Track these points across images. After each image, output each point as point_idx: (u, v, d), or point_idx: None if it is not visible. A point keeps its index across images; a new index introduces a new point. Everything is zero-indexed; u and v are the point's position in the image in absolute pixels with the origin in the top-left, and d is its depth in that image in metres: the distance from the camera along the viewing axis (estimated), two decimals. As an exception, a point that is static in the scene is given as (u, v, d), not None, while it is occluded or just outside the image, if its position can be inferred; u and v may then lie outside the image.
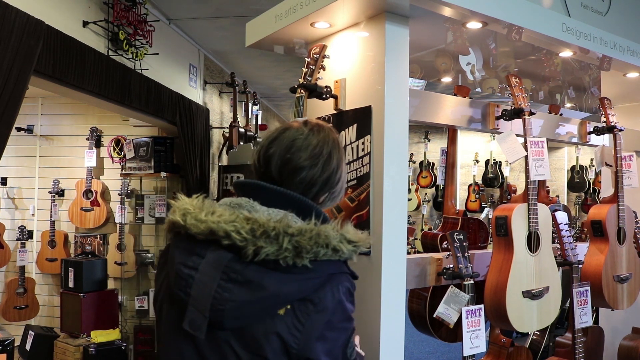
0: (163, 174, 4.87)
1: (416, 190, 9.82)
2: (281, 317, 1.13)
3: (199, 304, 1.15)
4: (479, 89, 3.70)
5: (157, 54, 4.20)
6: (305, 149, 1.27)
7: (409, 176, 9.98)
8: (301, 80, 2.01)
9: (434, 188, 9.72)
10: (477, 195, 9.61)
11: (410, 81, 4.34)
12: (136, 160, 4.99)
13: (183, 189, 4.99)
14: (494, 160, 9.52)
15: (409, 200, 9.77)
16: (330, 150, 1.29)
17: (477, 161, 9.83)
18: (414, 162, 10.08)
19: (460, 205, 9.84)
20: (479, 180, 9.75)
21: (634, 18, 3.20)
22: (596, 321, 3.59)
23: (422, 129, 9.95)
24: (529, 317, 2.31)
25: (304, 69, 2.03)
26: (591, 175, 8.95)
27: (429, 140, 10.04)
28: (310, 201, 1.26)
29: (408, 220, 10.05)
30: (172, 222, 1.25)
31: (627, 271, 2.79)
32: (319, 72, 2.02)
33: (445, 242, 2.25)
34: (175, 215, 1.23)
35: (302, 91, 1.99)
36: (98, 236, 5.28)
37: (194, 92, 5.19)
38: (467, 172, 9.97)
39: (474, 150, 9.87)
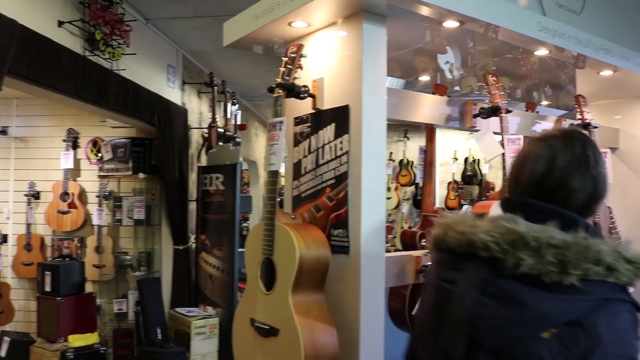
0: (141, 175, 4.82)
1: (396, 189, 9.85)
2: (545, 341, 1.01)
3: (456, 320, 1.10)
4: (457, 88, 3.72)
5: (135, 54, 4.16)
6: (575, 167, 1.15)
7: (389, 175, 10.02)
8: (279, 80, 2.01)
9: (413, 186, 9.76)
10: (457, 193, 9.67)
11: (389, 80, 4.36)
12: (114, 162, 4.94)
13: (162, 190, 4.96)
14: (473, 158, 9.60)
15: (389, 198, 9.80)
16: (595, 163, 1.17)
17: (456, 159, 9.89)
18: (394, 161, 10.11)
19: (440, 203, 9.89)
20: (458, 178, 9.81)
21: (608, 17, 3.25)
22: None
23: (401, 128, 9.98)
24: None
25: (282, 69, 2.03)
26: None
27: (409, 139, 10.07)
28: (576, 214, 1.13)
29: (387, 219, 10.09)
30: (434, 238, 1.22)
31: (602, 266, 2.82)
32: (296, 72, 2.02)
33: (424, 240, 2.26)
34: (438, 231, 1.21)
35: (279, 91, 1.99)
36: (75, 239, 5.21)
37: (173, 93, 5.15)
38: (447, 170, 10.02)
39: (453, 148, 9.93)
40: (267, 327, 1.94)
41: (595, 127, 2.97)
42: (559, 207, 1.12)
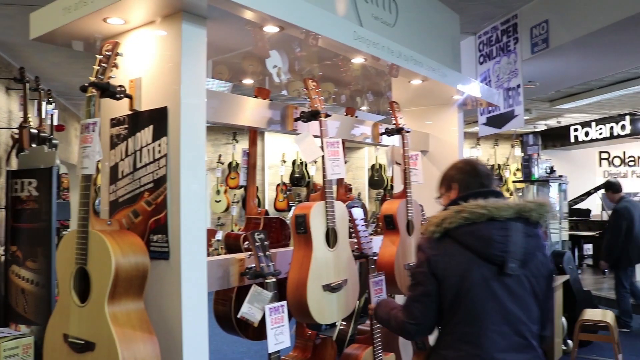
0: (-63, 181, 4.27)
1: (225, 192, 9.82)
2: (539, 253, 2.02)
3: (516, 255, 1.92)
4: (285, 92, 3.79)
5: None
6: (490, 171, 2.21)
7: (218, 177, 9.97)
8: (92, 79, 1.89)
9: (243, 189, 9.79)
10: (285, 195, 9.91)
11: (216, 83, 4.30)
12: None
13: (-37, 197, 4.43)
14: (301, 160, 9.88)
15: (219, 201, 9.75)
16: None
17: (285, 161, 10.12)
18: (223, 164, 10.08)
19: (269, 205, 10.07)
20: (287, 180, 10.05)
21: (417, 31, 3.54)
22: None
23: (230, 130, 9.98)
24: (330, 309, 2.43)
25: (96, 67, 1.92)
26: (389, 173, 9.71)
27: (237, 142, 10.11)
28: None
29: (217, 222, 10.03)
30: (465, 218, 1.96)
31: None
32: (111, 71, 1.92)
33: (247, 242, 2.27)
34: (480, 211, 1.96)
35: (93, 90, 1.88)
36: None
37: (-25, 88, 4.63)
38: (275, 172, 10.22)
39: (282, 151, 10.15)
40: (82, 342, 1.82)
41: (408, 132, 3.20)
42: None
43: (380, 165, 10.40)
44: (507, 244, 1.92)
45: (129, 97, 2.00)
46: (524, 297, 1.96)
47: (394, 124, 3.23)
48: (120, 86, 1.95)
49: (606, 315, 5.18)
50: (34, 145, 4.80)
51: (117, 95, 1.94)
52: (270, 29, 2.18)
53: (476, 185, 2.11)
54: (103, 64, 1.92)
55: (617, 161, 13.05)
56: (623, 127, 10.37)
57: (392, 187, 9.37)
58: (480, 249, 1.94)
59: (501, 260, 1.92)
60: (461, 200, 2.03)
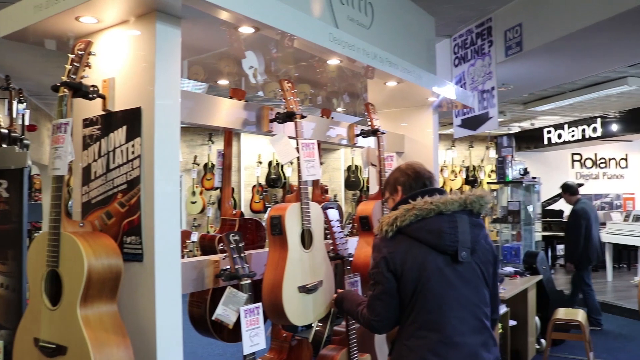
0: None
1: (201, 193, 9.75)
2: (483, 241, 2.17)
3: (465, 244, 2.08)
4: (261, 93, 3.78)
5: None
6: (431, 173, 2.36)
7: (194, 179, 9.90)
8: (64, 78, 1.87)
9: (218, 190, 9.73)
10: (261, 196, 9.88)
11: (192, 83, 4.26)
12: None
13: None
14: (276, 161, 9.86)
15: (194, 203, 9.68)
16: None
17: (261, 162, 10.09)
18: (198, 165, 10.01)
19: (245, 206, 10.03)
20: (263, 181, 10.03)
21: (392, 33, 3.56)
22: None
23: (206, 131, 9.91)
24: (305, 311, 2.43)
25: (68, 66, 1.89)
26: (365, 174, 9.75)
27: (213, 143, 10.05)
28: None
29: (193, 223, 9.96)
30: (419, 210, 2.10)
31: (390, 260, 3.05)
32: (84, 70, 1.90)
33: (222, 244, 2.26)
34: (428, 206, 2.09)
35: (65, 90, 1.85)
36: None
37: (-57, 87, 4.53)
38: (251, 174, 10.18)
39: (257, 152, 10.12)
40: (54, 346, 1.79)
41: (383, 133, 3.21)
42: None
43: (356, 166, 10.44)
44: (457, 234, 2.08)
45: (102, 97, 1.98)
46: (476, 282, 2.13)
47: (369, 125, 3.24)
48: (93, 86, 1.93)
49: (578, 314, 5.27)
50: (4, 146, 4.71)
51: (90, 95, 1.92)
52: (246, 29, 2.17)
53: (419, 186, 2.27)
54: (75, 64, 1.89)
55: (589, 163, 13.30)
56: (595, 129, 10.58)
57: (368, 188, 9.40)
58: (432, 241, 2.07)
59: (453, 250, 2.07)
60: (409, 199, 2.16)
